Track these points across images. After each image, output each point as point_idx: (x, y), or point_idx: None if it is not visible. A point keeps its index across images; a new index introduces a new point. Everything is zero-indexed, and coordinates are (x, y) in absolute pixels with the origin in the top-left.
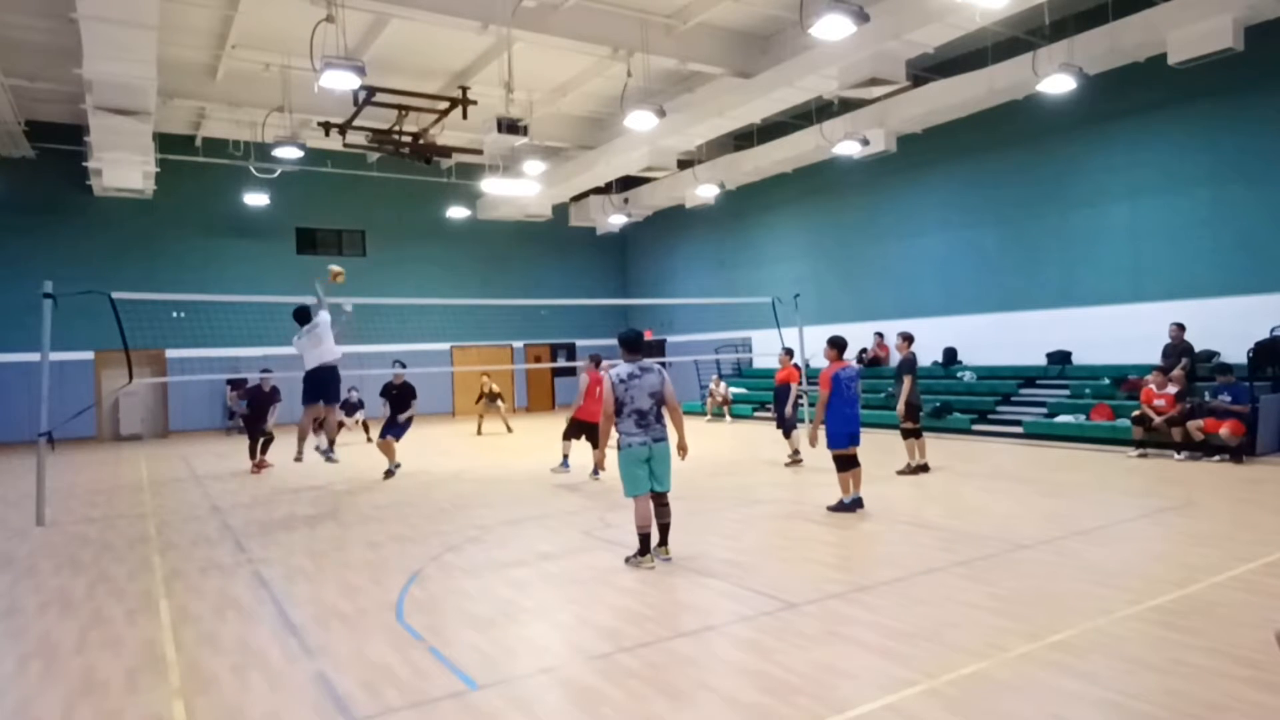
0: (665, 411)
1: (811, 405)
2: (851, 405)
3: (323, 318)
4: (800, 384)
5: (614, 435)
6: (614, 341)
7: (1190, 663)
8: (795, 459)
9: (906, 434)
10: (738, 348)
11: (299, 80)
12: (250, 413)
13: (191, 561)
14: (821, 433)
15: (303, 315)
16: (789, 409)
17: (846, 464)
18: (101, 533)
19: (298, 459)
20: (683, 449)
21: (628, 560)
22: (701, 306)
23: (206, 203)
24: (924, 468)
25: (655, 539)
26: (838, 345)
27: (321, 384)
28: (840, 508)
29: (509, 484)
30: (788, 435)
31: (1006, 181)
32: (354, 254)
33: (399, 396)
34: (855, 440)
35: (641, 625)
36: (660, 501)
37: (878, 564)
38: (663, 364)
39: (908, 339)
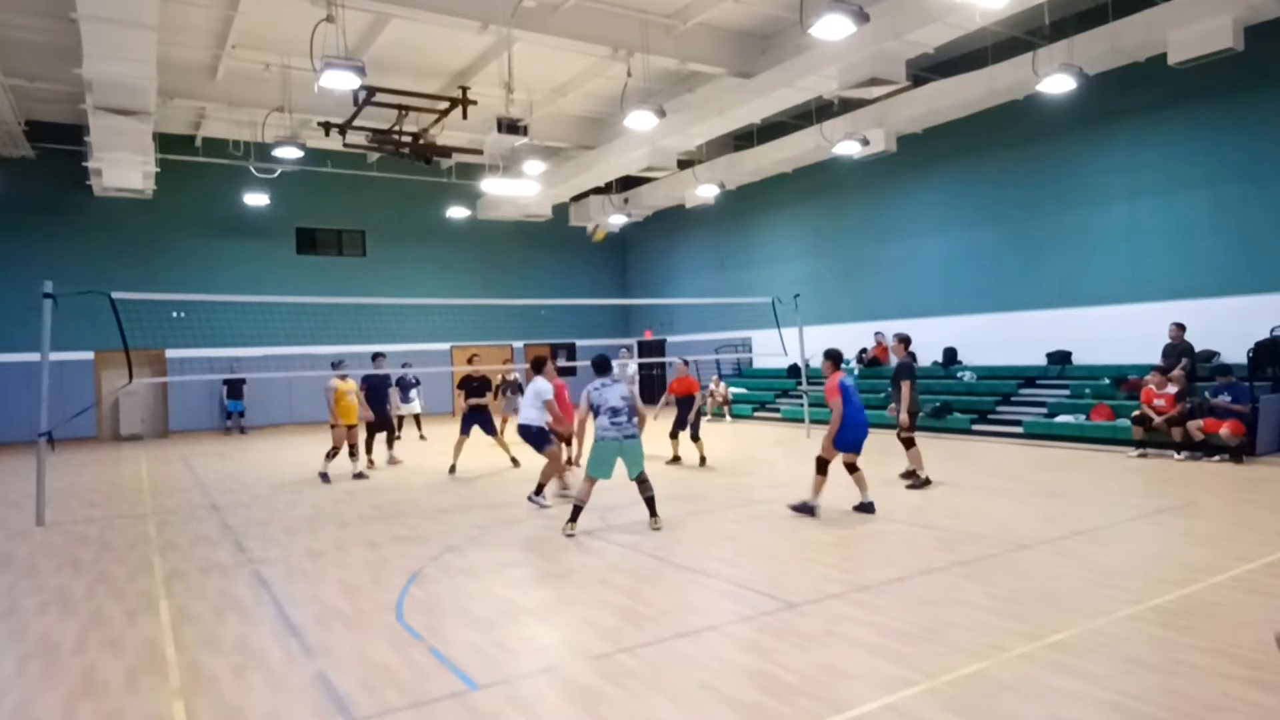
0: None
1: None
2: (861, 411)
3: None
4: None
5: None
6: (612, 341)
7: (1190, 663)
8: (679, 460)
9: (910, 443)
10: (738, 348)
11: (299, 80)
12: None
13: (191, 561)
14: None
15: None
16: (692, 415)
17: (823, 467)
18: (101, 533)
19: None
20: None
21: (564, 529)
22: (701, 306)
23: (206, 203)
24: (925, 479)
25: (646, 512)
26: (834, 358)
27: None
28: (802, 507)
29: (509, 484)
30: (696, 438)
31: (1006, 181)
32: (354, 254)
33: (477, 388)
34: (859, 448)
35: (641, 625)
36: (640, 480)
37: (878, 564)
38: (664, 364)
39: (904, 341)
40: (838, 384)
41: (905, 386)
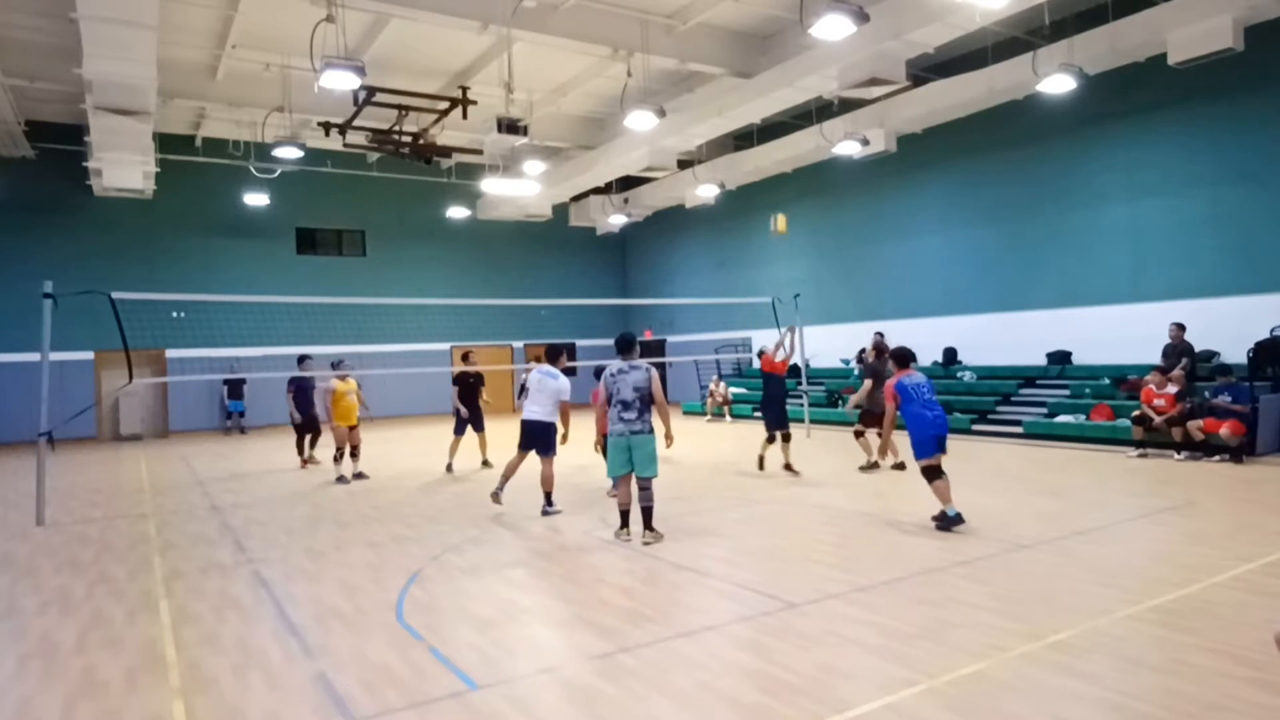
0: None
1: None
2: (932, 408)
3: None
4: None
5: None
6: (608, 342)
7: (1190, 663)
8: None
9: (858, 434)
10: (738, 348)
11: (299, 80)
12: None
13: (191, 561)
14: (906, 444)
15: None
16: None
17: (932, 474)
18: (101, 533)
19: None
20: (668, 439)
21: (615, 534)
22: (701, 306)
23: (206, 203)
24: (875, 465)
25: (640, 521)
26: (897, 357)
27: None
28: (943, 520)
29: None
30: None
31: (1006, 181)
32: (354, 254)
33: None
34: (941, 446)
35: (641, 625)
36: (641, 485)
37: (878, 564)
38: (664, 364)
39: (878, 348)
40: (893, 387)
41: (867, 383)
